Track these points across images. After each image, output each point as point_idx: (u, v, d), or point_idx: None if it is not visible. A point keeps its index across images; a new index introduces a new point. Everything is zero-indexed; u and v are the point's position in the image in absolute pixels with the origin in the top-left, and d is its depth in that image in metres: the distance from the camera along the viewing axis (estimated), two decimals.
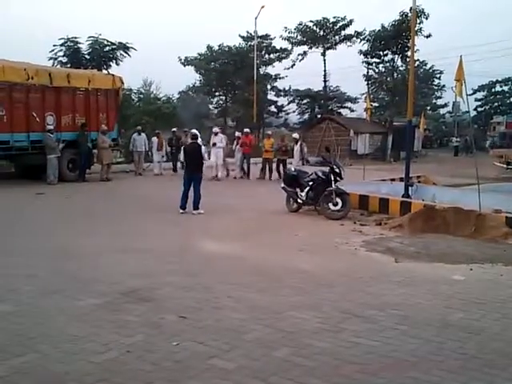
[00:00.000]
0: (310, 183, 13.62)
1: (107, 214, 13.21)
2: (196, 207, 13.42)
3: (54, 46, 31.76)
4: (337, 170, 13.40)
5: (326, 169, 13.76)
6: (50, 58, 31.93)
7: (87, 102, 21.20)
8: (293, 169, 14.91)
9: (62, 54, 32.11)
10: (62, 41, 31.76)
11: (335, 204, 13.02)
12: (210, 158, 19.66)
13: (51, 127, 19.30)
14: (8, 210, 13.74)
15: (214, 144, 21.76)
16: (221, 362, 4.64)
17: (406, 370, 4.61)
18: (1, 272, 7.52)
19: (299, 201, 13.89)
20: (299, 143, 22.55)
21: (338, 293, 6.83)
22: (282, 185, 14.44)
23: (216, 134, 22.39)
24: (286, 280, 7.39)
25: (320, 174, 13.73)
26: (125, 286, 6.88)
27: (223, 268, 8.07)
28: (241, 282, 7.25)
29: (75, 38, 32.09)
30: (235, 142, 23.75)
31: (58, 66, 30.53)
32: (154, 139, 24.15)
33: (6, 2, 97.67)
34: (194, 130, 20.51)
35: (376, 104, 50.67)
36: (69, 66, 30.69)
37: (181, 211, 13.32)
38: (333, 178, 13.22)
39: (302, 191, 13.76)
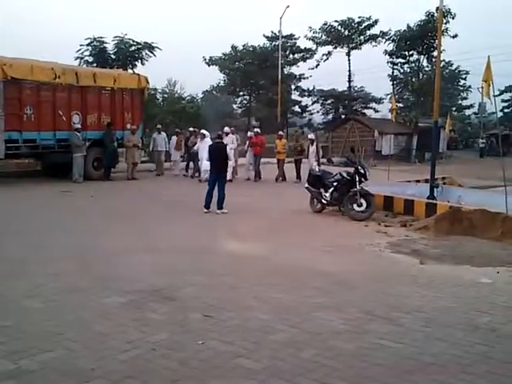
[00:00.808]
0: (335, 184, 13.57)
1: (130, 214, 13.27)
2: (220, 207, 13.42)
3: (81, 45, 32.06)
4: (361, 171, 13.33)
5: (351, 169, 13.71)
6: (77, 58, 32.25)
7: (113, 102, 21.34)
8: (317, 169, 14.85)
9: (88, 53, 32.38)
10: (89, 40, 32.04)
11: (360, 205, 12.96)
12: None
13: (78, 126, 19.46)
14: (33, 207, 13.90)
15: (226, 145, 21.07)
16: (246, 361, 4.64)
17: (432, 373, 4.57)
18: (26, 269, 7.60)
19: (323, 201, 13.83)
20: (315, 144, 21.80)
21: (363, 294, 6.80)
22: (306, 185, 14.40)
23: (227, 134, 21.13)
24: (310, 281, 7.37)
25: (344, 174, 13.68)
26: (149, 284, 6.91)
27: (247, 268, 8.08)
28: (265, 282, 7.24)
29: (101, 37, 32.36)
30: (247, 143, 22.91)
31: (85, 66, 30.80)
32: (173, 138, 23.90)
33: (35, 3, 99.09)
34: (203, 131, 20.49)
35: (401, 104, 50.29)
36: (95, 65, 30.96)
37: (205, 210, 13.35)
38: (357, 179, 13.15)
39: (326, 191, 13.70)
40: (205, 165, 19.49)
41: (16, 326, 5.35)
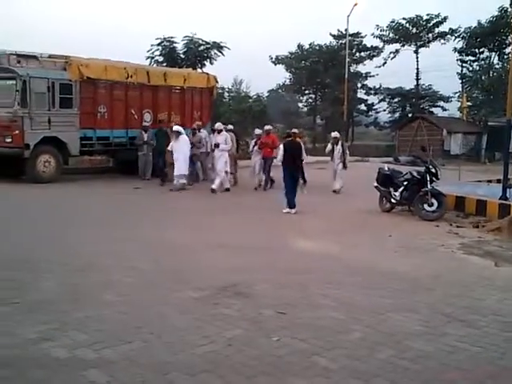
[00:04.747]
0: (405, 183, 13.35)
1: (200, 210, 13.46)
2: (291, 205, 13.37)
3: (152, 45, 32.77)
4: (433, 170, 13.09)
5: (420, 168, 13.48)
6: (148, 58, 32.99)
7: (182, 101, 21.70)
8: (386, 168, 14.64)
9: (158, 53, 33.05)
10: (159, 40, 32.69)
11: (430, 205, 12.72)
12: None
13: (145, 124, 19.67)
14: (108, 203, 14.32)
15: (217, 145, 17.26)
16: (322, 360, 4.64)
17: None
18: (101, 263, 7.80)
19: (393, 201, 13.65)
20: (340, 143, 18.30)
21: (437, 296, 6.70)
22: (375, 184, 14.22)
23: (219, 131, 17.71)
24: (382, 281, 7.31)
25: (415, 173, 13.45)
26: (222, 280, 6.99)
27: (319, 267, 8.06)
28: (337, 281, 7.22)
29: (171, 37, 32.96)
30: (253, 143, 19.03)
31: (155, 65, 31.41)
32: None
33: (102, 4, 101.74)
34: (177, 127, 17.53)
35: (470, 103, 49.02)
36: (165, 64, 31.55)
37: (293, 211, 13.13)
38: (428, 178, 12.92)
39: (395, 191, 13.51)
40: (178, 169, 17.08)
41: (96, 317, 5.51)
